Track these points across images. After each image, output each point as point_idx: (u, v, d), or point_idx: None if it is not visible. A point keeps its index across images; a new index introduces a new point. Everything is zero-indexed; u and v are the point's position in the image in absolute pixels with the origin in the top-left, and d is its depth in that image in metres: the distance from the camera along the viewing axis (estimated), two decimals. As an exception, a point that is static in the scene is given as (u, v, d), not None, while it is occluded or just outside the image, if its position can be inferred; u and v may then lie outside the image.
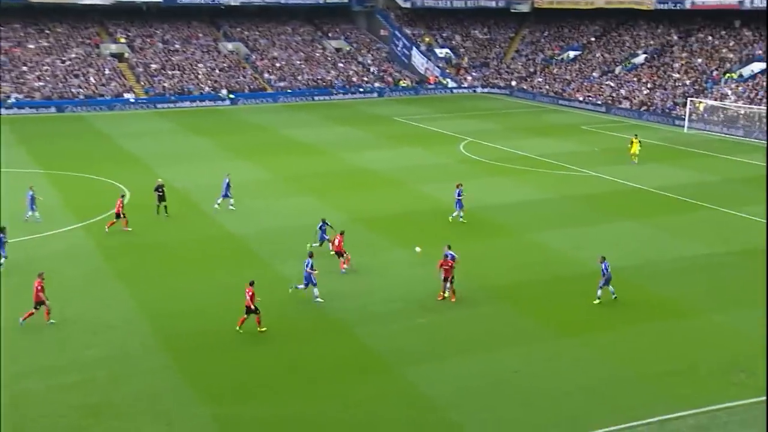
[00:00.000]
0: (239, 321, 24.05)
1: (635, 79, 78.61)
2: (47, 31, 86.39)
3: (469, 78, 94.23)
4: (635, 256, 31.18)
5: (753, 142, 59.16)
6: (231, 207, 37.68)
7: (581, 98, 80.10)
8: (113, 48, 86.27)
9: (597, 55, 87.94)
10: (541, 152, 53.10)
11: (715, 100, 66.68)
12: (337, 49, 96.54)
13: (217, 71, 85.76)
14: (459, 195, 35.61)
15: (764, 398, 19.92)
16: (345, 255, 29.41)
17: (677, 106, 69.51)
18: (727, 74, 71.14)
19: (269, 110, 76.96)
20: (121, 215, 34.10)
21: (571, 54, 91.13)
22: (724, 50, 75.58)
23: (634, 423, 18.87)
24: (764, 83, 66.40)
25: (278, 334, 23.98)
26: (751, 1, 73.30)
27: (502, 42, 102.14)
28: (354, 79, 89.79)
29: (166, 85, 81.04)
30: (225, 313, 25.37)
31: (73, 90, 76.61)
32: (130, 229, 34.13)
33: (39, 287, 24.11)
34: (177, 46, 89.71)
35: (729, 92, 67.69)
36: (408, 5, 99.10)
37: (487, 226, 35.18)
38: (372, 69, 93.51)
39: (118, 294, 27.09)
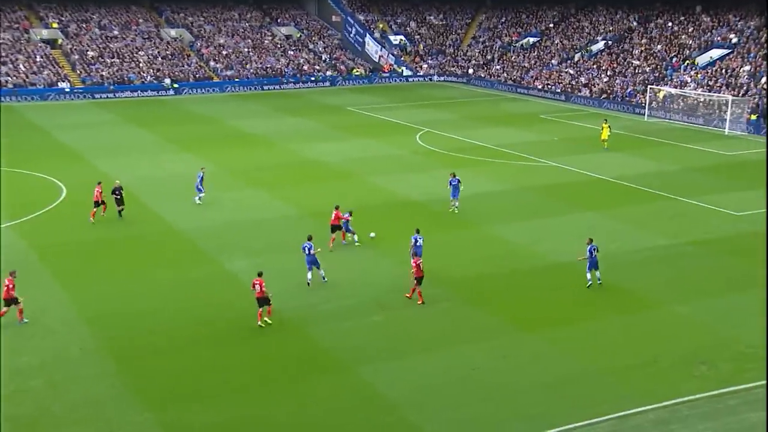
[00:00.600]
0: (258, 316, 24.21)
1: (595, 66, 79.70)
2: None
3: (425, 66, 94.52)
4: (596, 248, 31.62)
5: (713, 130, 60.47)
6: (198, 201, 37.49)
7: (540, 86, 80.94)
8: (45, 33, 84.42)
9: (556, 41, 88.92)
10: (500, 142, 53.54)
11: (675, 87, 67.96)
12: (287, 36, 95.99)
13: (159, 59, 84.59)
14: (453, 183, 36.18)
15: (746, 386, 20.47)
16: (341, 231, 31.48)
17: (637, 94, 70.69)
18: (686, 61, 72.52)
19: (216, 100, 76.23)
20: (101, 202, 34.51)
21: (530, 41, 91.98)
22: (683, 36, 77.04)
23: (595, 420, 19.14)
24: (723, 71, 67.82)
25: (228, 334, 23.80)
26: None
27: (458, 28, 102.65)
28: (305, 67, 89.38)
29: (104, 73, 79.66)
30: (170, 314, 25.13)
31: (1, 78, 74.77)
32: (104, 215, 34.77)
33: (11, 285, 24.05)
34: (115, 32, 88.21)
35: (688, 79, 69.04)
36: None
37: (444, 218, 35.34)
38: (324, 57, 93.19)
39: (55, 296, 26.58)
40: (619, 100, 71.81)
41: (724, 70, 68.01)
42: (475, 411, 19.62)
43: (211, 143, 53.36)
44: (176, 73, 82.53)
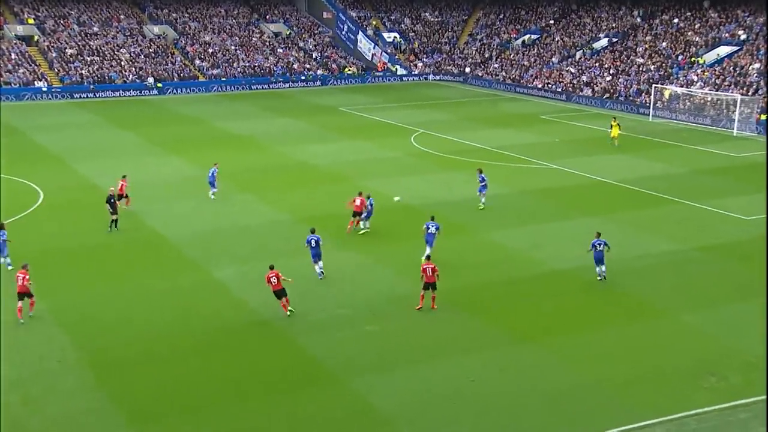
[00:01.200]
0: (282, 306, 25.39)
1: (597, 64, 79.96)
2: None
3: (420, 64, 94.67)
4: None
5: (721, 131, 60.69)
6: (212, 197, 39.16)
7: (540, 85, 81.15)
8: (20, 30, 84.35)
9: (556, 39, 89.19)
10: (498, 144, 53.65)
11: (681, 86, 68.20)
12: (276, 34, 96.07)
13: (142, 57, 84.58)
14: (482, 181, 37.55)
15: (757, 398, 20.47)
16: (360, 218, 33.55)
17: (642, 94, 70.91)
18: (693, 59, 72.80)
19: (201, 100, 76.22)
20: (125, 195, 36.53)
21: (530, 38, 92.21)
22: (689, 33, 77.35)
23: (599, 433, 19.19)
24: (732, 69, 68.10)
25: (214, 345, 23.76)
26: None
27: (455, 25, 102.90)
28: (295, 66, 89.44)
29: (83, 72, 79.61)
30: (153, 324, 25.08)
31: (-25, 78, 74.75)
32: (132, 208, 36.71)
33: (27, 278, 25.07)
34: (95, 28, 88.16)
35: (696, 78, 69.30)
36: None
37: (440, 224, 35.32)
38: (314, 55, 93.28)
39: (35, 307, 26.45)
40: (623, 99, 72.03)
41: (732, 68, 68.29)
42: (472, 425, 19.61)
43: (197, 145, 53.32)
44: (160, 72, 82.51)
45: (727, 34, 74.13)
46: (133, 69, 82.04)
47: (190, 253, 31.83)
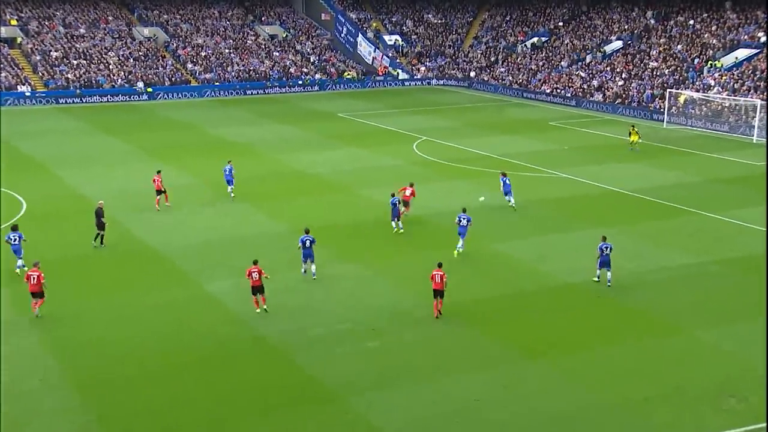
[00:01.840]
0: (254, 303, 26.86)
1: (608, 68, 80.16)
2: None
3: (423, 68, 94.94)
4: (610, 268, 31.70)
5: (739, 138, 60.78)
6: (231, 194, 41.44)
7: (549, 90, 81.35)
8: (2, 32, 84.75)
9: (566, 41, 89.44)
10: (504, 152, 53.75)
11: (697, 91, 68.35)
12: (272, 36, 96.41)
13: (131, 61, 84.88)
14: (506, 182, 39.48)
15: (763, 425, 20.41)
16: (407, 207, 36.81)
17: (655, 99, 71.07)
18: (710, 62, 72.98)
19: (194, 106, 76.42)
20: (163, 190, 39.17)
21: (537, 41, 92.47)
22: (706, 35, 77.57)
23: (611, 454, 19.18)
24: (751, 72, 68.23)
25: (207, 362, 23.78)
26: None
27: (459, 27, 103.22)
28: (292, 70, 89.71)
29: (70, 76, 79.87)
30: (143, 340, 25.10)
31: (-46, 82, 74.99)
32: (169, 204, 39.39)
33: (42, 277, 26.33)
34: (82, 30, 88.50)
35: (712, 83, 69.46)
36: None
37: (443, 234, 35.39)
38: (312, 59, 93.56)
39: (15, 322, 26.49)
40: (636, 105, 72.19)
41: (751, 72, 68.42)
42: (478, 446, 19.62)
43: (189, 153, 53.45)
44: (150, 76, 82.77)
45: (746, 36, 74.30)
46: (122, 73, 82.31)
47: (182, 265, 31.87)
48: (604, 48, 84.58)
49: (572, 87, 79.82)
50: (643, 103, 71.83)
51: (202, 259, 32.46)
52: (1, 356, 22.93)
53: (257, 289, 26.90)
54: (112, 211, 38.99)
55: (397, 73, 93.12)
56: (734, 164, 51.57)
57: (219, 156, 51.71)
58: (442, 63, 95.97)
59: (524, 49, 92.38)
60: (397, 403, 21.53)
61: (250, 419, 20.83)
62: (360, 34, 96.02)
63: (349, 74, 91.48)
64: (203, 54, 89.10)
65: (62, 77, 79.56)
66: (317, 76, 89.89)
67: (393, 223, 36.13)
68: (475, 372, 23.23)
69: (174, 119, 68.67)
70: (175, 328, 26.07)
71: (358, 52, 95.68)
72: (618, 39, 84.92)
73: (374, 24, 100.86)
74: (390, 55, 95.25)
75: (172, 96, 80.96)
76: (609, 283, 29.33)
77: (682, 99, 67.53)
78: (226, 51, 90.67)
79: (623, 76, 77.60)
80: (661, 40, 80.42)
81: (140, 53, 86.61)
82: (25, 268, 29.73)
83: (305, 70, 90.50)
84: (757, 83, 66.50)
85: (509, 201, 39.60)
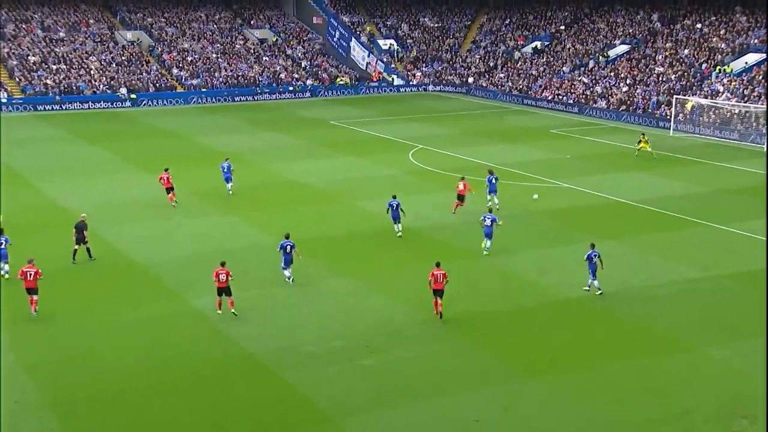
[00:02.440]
0: (218, 304, 27.83)
1: (612, 74, 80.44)
2: None
3: (419, 74, 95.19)
4: (615, 281, 31.73)
5: (749, 146, 60.99)
6: (230, 192, 44.06)
7: (550, 97, 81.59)
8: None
9: (568, 46, 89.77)
10: (504, 161, 53.83)
11: (705, 97, 68.60)
12: (262, 40, 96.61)
13: (113, 66, 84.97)
14: (493, 182, 41.48)
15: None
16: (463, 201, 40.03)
17: (661, 106, 71.30)
18: (719, 67, 73.29)
19: (180, 113, 76.45)
20: (172, 188, 41.41)
21: (538, 45, 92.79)
22: (714, 39, 77.92)
23: (618, 477, 19.16)
24: (761, 78, 68.53)
25: (194, 382, 23.72)
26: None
27: (456, 31, 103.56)
28: (282, 75, 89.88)
29: (48, 82, 79.88)
30: (125, 358, 25.03)
31: (-74, 88, 74.94)
32: (175, 204, 41.42)
33: (39, 273, 27.66)
34: (62, 34, 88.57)
35: (721, 88, 69.74)
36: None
37: (441, 247, 35.42)
38: (304, 64, 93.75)
39: (-7, 339, 26.43)
40: (641, 112, 72.44)
41: (762, 77, 68.70)
42: (478, 469, 19.59)
43: (175, 162, 53.17)
44: (134, 81, 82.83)
45: (756, 40, 74.65)
46: (104, 78, 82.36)
47: (167, 279, 31.83)
48: (608, 53, 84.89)
49: (574, 93, 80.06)
50: (649, 110, 72.07)
51: (189, 273, 32.41)
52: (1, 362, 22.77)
53: (223, 291, 27.82)
54: (94, 223, 38.87)
55: (392, 78, 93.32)
56: (744, 174, 51.73)
57: (206, 166, 51.76)
58: (439, 68, 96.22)
59: (524, 53, 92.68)
60: (393, 424, 21.50)
61: (239, 441, 20.78)
62: (353, 39, 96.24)
63: (342, 80, 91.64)
64: (189, 59, 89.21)
65: (41, 83, 79.54)
66: (309, 82, 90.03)
67: (395, 227, 36.99)
68: (474, 391, 23.21)
69: (159, 127, 68.63)
70: (159, 346, 26.00)
71: (352, 57, 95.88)
72: (622, 43, 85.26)
73: (368, 28, 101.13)
74: (385, 60, 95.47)
75: (157, 103, 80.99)
76: (600, 291, 29.84)
77: (689, 106, 67.75)
78: (214, 56, 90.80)
79: (628, 81, 77.87)
80: (668, 45, 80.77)
81: (123, 58, 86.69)
82: (7, 276, 30.55)
83: (296, 75, 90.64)
84: (767, 89, 66.69)
85: (493, 200, 41.10)
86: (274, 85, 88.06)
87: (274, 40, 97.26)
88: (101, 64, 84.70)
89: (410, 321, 27.75)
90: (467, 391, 23.23)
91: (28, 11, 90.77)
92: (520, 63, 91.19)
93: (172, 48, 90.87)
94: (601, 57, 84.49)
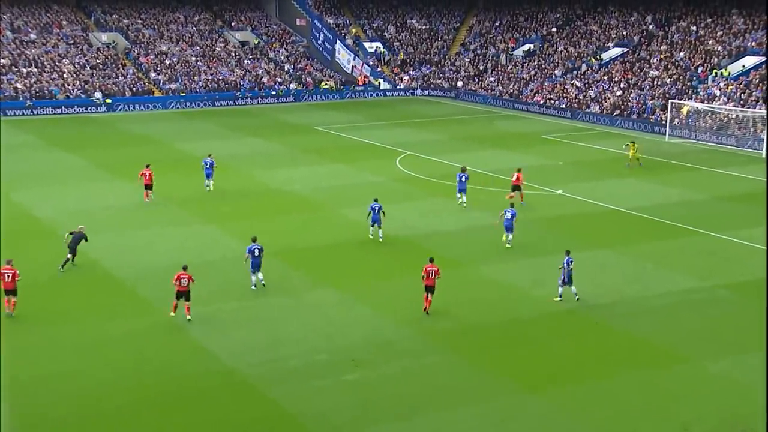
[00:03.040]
0: (173, 308, 28.21)
1: (606, 77, 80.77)
2: None
3: (406, 78, 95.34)
4: (610, 292, 31.81)
5: (747, 152, 61.30)
6: (207, 188, 46.12)
7: (542, 101, 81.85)
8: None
9: (560, 49, 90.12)
10: (494, 167, 53.92)
11: (702, 102, 68.93)
12: (243, 43, 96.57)
13: (88, 69, 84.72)
14: (462, 180, 43.22)
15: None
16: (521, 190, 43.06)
17: (657, 110, 71.61)
18: (715, 71, 73.68)
19: (157, 118, 76.28)
20: (151, 186, 43.65)
21: (531, 47, 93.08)
22: (710, 42, 78.36)
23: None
24: (758, 81, 68.91)
25: (172, 398, 23.58)
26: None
27: (445, 34, 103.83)
28: (264, 79, 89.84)
29: (19, 86, 79.54)
30: (100, 375, 24.87)
31: None
32: (149, 201, 43.76)
33: (17, 274, 28.38)
34: (32, 36, 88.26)
35: (718, 93, 70.11)
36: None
37: (428, 257, 35.36)
38: (287, 67, 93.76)
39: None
40: (636, 117, 72.75)
41: (759, 81, 69.10)
42: (469, 488, 19.54)
43: (153, 169, 53.08)
44: (109, 85, 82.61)
45: (753, 43, 75.10)
46: (78, 82, 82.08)
47: (143, 292, 31.67)
48: (601, 55, 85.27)
49: (567, 98, 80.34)
50: (644, 115, 72.38)
51: (166, 286, 32.17)
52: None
53: (182, 295, 28.22)
54: (66, 232, 38.70)
55: (379, 82, 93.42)
56: (742, 180, 51.97)
57: (186, 173, 51.62)
58: (427, 72, 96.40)
59: (515, 56, 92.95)
60: (380, 441, 21.44)
61: (219, 460, 20.66)
62: (338, 41, 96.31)
63: (326, 84, 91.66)
64: (167, 62, 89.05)
65: (10, 87, 79.18)
66: (292, 86, 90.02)
67: (375, 231, 37.45)
68: (466, 407, 23.15)
69: (136, 133, 68.42)
70: (137, 362, 25.83)
71: (336, 60, 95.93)
72: (616, 46, 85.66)
73: (353, 30, 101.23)
74: (371, 63, 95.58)
75: (134, 108, 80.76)
76: (577, 297, 30.26)
77: (685, 110, 68.07)
78: (193, 59, 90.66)
79: (622, 85, 78.21)
80: (662, 47, 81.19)
81: (98, 61, 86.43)
82: None
83: (279, 79, 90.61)
84: (766, 93, 67.04)
85: (460, 198, 43.45)
86: (256, 89, 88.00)
87: (256, 42, 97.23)
88: (75, 68, 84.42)
89: (398, 334, 27.69)
90: (459, 406, 23.16)
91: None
92: (510, 66, 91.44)
93: (150, 51, 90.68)
94: (594, 60, 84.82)
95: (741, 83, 70.06)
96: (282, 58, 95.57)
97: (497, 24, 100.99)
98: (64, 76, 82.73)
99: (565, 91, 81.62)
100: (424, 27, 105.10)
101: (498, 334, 28.18)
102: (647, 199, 46.03)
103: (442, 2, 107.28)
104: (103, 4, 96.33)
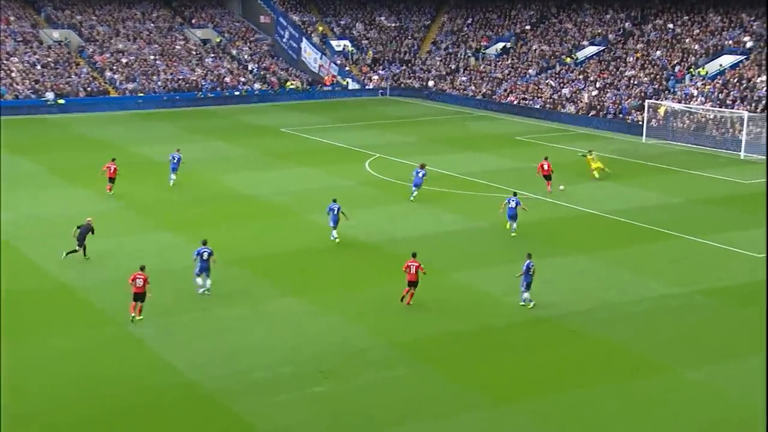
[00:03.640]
0: (131, 308, 28.81)
1: (581, 77, 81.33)
2: None
3: (376, 77, 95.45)
4: (586, 298, 32.06)
5: (726, 153, 61.94)
6: (170, 182, 47.92)
7: (515, 101, 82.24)
8: None
9: (534, 47, 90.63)
10: (467, 170, 54.13)
11: (679, 102, 69.59)
12: (204, 41, 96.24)
13: (38, 68, 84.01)
14: (419, 175, 45.29)
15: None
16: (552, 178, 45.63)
17: (633, 111, 72.19)
18: (692, 70, 74.39)
19: (114, 120, 75.75)
20: (114, 180, 45.98)
21: (506, 45, 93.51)
22: (687, 40, 79.14)
23: None
24: (735, 81, 69.66)
25: (134, 413, 23.44)
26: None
27: (415, 32, 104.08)
28: (227, 79, 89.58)
29: (-34, 86, 78.71)
30: (54, 391, 24.67)
31: None
32: (110, 192, 46.00)
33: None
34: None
35: (695, 92, 70.80)
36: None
37: (401, 262, 35.41)
38: (251, 66, 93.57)
39: None
40: (612, 117, 73.31)
41: (737, 81, 69.84)
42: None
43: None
44: (61, 85, 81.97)
45: (730, 41, 75.94)
46: (28, 82, 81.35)
47: (98, 303, 31.46)
48: (576, 54, 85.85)
49: (541, 97, 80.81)
50: (620, 116, 72.95)
51: (123, 296, 32.00)
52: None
53: (139, 297, 28.87)
54: (17, 241, 38.47)
55: (347, 82, 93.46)
56: (720, 183, 52.51)
57: (145, 178, 51.35)
58: (397, 71, 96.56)
59: (488, 55, 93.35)
60: (350, 456, 21.47)
61: (181, 478, 20.59)
62: (304, 39, 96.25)
63: (292, 84, 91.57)
64: (124, 61, 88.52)
65: (-43, 88, 78.38)
66: (256, 86, 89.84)
67: (332, 232, 38.03)
68: (440, 420, 23.20)
69: (90, 136, 67.92)
70: (92, 376, 25.64)
71: (303, 59, 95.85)
72: (591, 44, 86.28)
73: (320, 28, 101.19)
74: (338, 62, 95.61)
75: (88, 109, 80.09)
76: (532, 303, 30.75)
77: (662, 111, 68.68)
78: (151, 57, 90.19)
79: (597, 85, 78.78)
80: (639, 46, 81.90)
81: (49, 59, 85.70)
82: None
83: (242, 79, 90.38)
84: (744, 93, 67.84)
85: (413, 193, 45.37)
86: (218, 89, 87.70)
87: (218, 40, 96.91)
88: (24, 66, 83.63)
89: (368, 344, 27.71)
90: (431, 420, 23.20)
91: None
92: (483, 65, 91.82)
93: (105, 49, 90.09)
94: (568, 59, 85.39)
95: (718, 83, 70.71)
96: (245, 56, 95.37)
97: (469, 22, 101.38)
98: (13, 75, 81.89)
99: (539, 90, 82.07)
100: (393, 24, 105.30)
101: (471, 343, 28.27)
102: (624, 202, 46.41)
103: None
104: (55, 0, 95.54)
